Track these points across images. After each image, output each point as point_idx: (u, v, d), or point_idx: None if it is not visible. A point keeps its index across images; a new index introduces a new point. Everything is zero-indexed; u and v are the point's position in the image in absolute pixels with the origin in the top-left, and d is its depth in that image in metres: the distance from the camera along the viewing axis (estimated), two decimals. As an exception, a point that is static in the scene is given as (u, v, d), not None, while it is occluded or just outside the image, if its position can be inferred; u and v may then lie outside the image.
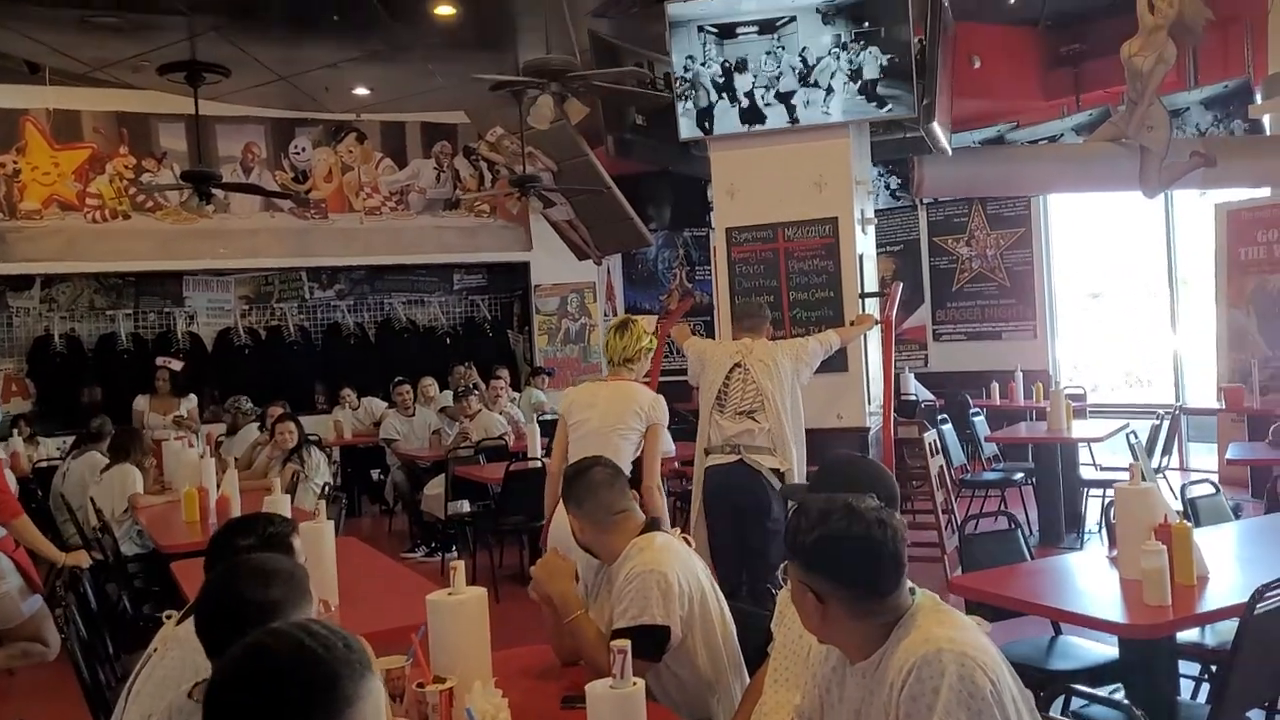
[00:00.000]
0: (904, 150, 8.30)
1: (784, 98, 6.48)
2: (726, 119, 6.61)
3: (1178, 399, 10.55)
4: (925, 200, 11.86)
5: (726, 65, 6.54)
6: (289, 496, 5.06)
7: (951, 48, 7.36)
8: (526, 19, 8.08)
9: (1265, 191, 9.35)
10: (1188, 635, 3.61)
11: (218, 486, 5.79)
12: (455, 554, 7.78)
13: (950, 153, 7.87)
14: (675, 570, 2.86)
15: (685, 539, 3.10)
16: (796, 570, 2.04)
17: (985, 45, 10.28)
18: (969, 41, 9.69)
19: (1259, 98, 9.10)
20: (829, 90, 6.40)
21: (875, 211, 7.12)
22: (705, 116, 6.64)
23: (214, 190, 9.19)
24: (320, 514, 3.89)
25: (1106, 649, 3.74)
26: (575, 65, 6.19)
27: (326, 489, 6.75)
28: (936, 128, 6.82)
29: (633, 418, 4.46)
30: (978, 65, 10.17)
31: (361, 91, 10.38)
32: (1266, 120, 9.17)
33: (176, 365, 9.73)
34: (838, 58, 6.36)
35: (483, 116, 10.80)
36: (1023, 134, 10.36)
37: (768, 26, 6.48)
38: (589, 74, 6.28)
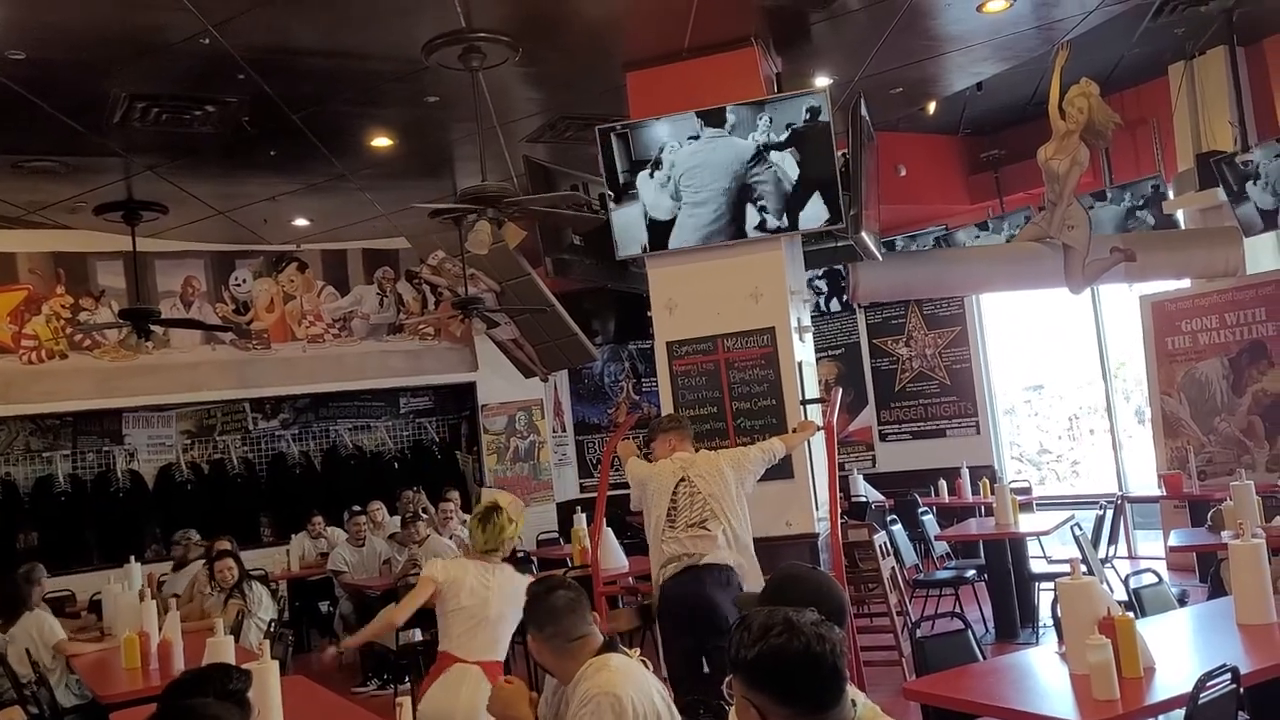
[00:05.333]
0: (837, 259, 8.52)
1: (716, 212, 6.66)
2: (661, 236, 6.77)
3: (1120, 488, 10.72)
4: (862, 304, 12.13)
5: (657, 182, 6.72)
6: (233, 637, 4.94)
7: (875, 158, 7.62)
8: (462, 147, 8.27)
9: (1187, 282, 9.69)
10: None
11: (159, 630, 5.63)
12: (408, 685, 7.59)
13: (880, 258, 8.08)
14: (629, 692, 2.84)
15: (643, 660, 3.07)
16: (739, 686, 2.02)
17: (909, 154, 10.68)
18: (893, 151, 10.05)
19: (1171, 194, 9.50)
20: (758, 204, 6.59)
21: (814, 317, 7.27)
22: (639, 233, 6.79)
23: (154, 326, 9.15)
24: (265, 653, 3.81)
25: (1064, 746, 3.73)
26: (511, 190, 6.32)
27: (273, 625, 6.61)
28: (866, 236, 7.01)
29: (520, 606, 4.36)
30: (903, 173, 10.55)
31: (301, 222, 10.47)
32: (1180, 215, 9.55)
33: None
34: (765, 173, 6.57)
35: (423, 241, 10.92)
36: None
37: (693, 144, 6.69)
38: (524, 199, 6.40)
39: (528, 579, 4.47)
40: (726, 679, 2.08)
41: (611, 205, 6.83)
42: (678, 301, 6.86)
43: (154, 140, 7.49)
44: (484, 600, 4.43)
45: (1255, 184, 8.24)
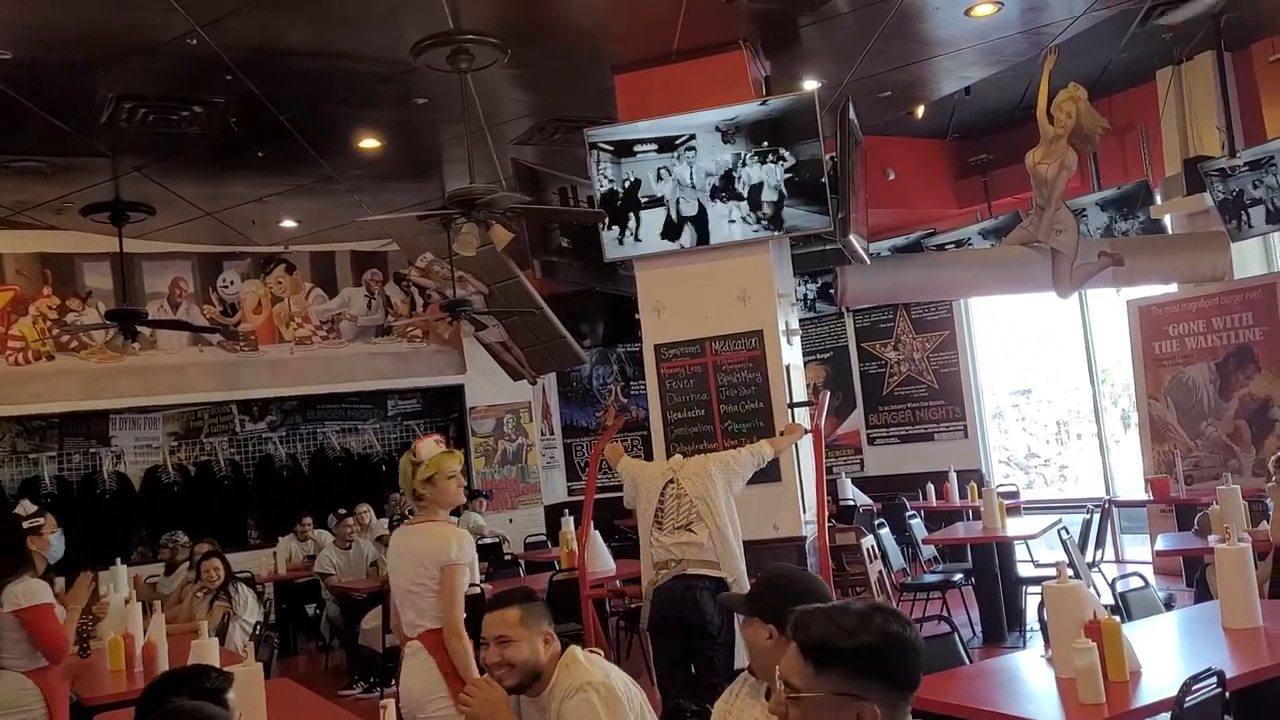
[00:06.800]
0: (825, 262, 8.51)
1: (701, 214, 6.65)
2: (651, 238, 6.76)
3: (1107, 492, 10.74)
4: (851, 308, 12.14)
5: (637, 183, 6.71)
6: (217, 640, 4.91)
7: (863, 162, 7.62)
8: (451, 149, 8.25)
9: (1174, 287, 9.71)
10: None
11: (144, 632, 5.60)
12: (395, 687, 7.56)
13: (869, 262, 8.08)
14: (609, 676, 2.89)
15: (595, 651, 3.10)
16: (837, 680, 1.83)
17: (898, 158, 10.70)
18: (882, 154, 10.06)
19: (1158, 199, 9.52)
20: (748, 206, 6.59)
21: (802, 321, 7.27)
22: (629, 235, 6.78)
23: (140, 327, 9.11)
24: (249, 655, 3.79)
25: (1049, 749, 3.73)
26: (499, 193, 6.30)
27: (258, 628, 6.58)
28: (854, 239, 7.02)
29: (421, 570, 4.01)
30: (892, 177, 10.56)
31: (289, 224, 10.44)
32: (1168, 220, 9.57)
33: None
34: (754, 176, 6.57)
35: (412, 243, 10.89)
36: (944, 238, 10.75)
37: (683, 146, 6.68)
38: (515, 204, 6.39)
39: (450, 531, 4.08)
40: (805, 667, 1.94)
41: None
42: (665, 304, 6.85)
43: (141, 141, 7.45)
44: (395, 574, 4.14)
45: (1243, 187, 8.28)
